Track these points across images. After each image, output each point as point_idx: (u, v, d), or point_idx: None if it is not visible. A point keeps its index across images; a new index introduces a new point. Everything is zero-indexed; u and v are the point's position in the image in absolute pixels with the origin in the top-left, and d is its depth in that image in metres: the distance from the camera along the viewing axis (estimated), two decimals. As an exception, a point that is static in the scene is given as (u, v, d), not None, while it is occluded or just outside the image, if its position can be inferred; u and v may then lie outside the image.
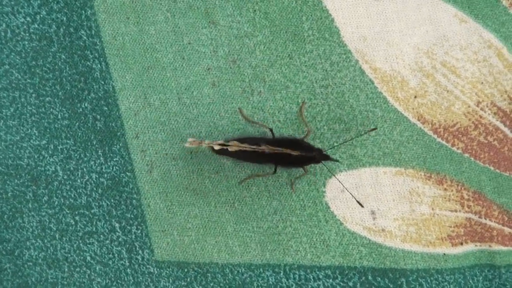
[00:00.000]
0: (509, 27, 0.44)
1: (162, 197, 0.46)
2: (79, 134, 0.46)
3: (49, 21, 0.46)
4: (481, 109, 0.44)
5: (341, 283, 0.45)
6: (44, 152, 0.46)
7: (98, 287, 0.47)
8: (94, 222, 0.46)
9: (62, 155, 0.46)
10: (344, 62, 0.45)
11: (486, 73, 0.44)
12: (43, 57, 0.46)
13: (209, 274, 0.46)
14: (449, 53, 0.44)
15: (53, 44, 0.46)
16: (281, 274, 0.45)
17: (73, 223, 0.47)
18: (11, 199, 0.47)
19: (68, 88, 0.46)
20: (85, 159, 0.46)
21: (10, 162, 0.47)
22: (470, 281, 0.45)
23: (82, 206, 0.46)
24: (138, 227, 0.46)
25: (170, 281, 0.46)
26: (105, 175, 0.46)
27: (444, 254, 0.45)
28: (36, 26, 0.46)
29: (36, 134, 0.46)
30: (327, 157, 0.42)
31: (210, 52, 0.45)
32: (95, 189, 0.46)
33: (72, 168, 0.46)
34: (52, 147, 0.46)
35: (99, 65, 0.46)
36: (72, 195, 0.46)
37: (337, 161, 0.43)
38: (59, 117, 0.46)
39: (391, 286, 0.45)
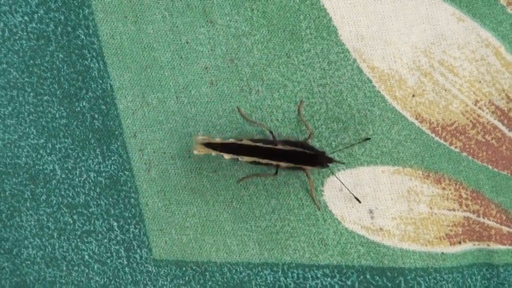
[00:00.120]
0: (507, 26, 0.44)
1: (160, 196, 0.46)
2: (77, 133, 0.46)
3: (47, 20, 0.46)
4: (479, 108, 0.44)
5: (339, 282, 0.45)
6: (42, 151, 0.46)
7: (96, 286, 0.47)
8: (92, 221, 0.46)
9: (60, 154, 0.46)
10: (342, 61, 0.45)
11: (484, 72, 0.44)
12: (41, 56, 0.46)
13: (207, 273, 0.46)
14: (447, 52, 0.44)
15: (51, 43, 0.46)
16: (279, 273, 0.45)
17: (71, 222, 0.47)
18: (9, 198, 0.47)
19: (66, 87, 0.46)
20: (83, 158, 0.46)
21: (8, 161, 0.47)
22: (468, 280, 0.45)
23: (80, 205, 0.46)
24: (136, 226, 0.46)
25: (168, 280, 0.46)
26: (103, 174, 0.46)
27: (442, 253, 0.45)
28: (34, 25, 0.46)
29: (34, 133, 0.46)
30: (331, 160, 0.42)
31: (208, 51, 0.45)
32: (93, 188, 0.46)
33: (70, 167, 0.46)
34: (50, 146, 0.46)
35: (97, 64, 0.46)
36: (70, 194, 0.46)
37: (342, 163, 0.43)
38: (57, 116, 0.46)
39: (389, 285, 0.45)
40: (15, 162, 0.47)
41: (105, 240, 0.46)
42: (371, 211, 0.45)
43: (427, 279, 0.45)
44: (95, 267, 0.47)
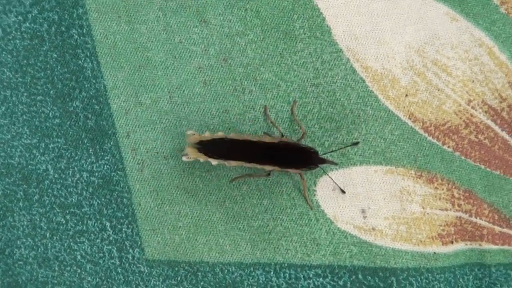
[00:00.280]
0: (500, 26, 0.44)
1: (153, 196, 0.46)
2: (70, 132, 0.46)
3: (40, 20, 0.46)
4: (472, 107, 0.44)
5: (332, 282, 0.45)
6: (35, 151, 0.46)
7: (89, 286, 0.46)
8: (85, 221, 0.46)
9: (53, 154, 0.46)
10: (335, 61, 0.45)
11: (477, 71, 0.44)
12: (35, 56, 0.46)
13: (199, 273, 0.46)
14: (440, 52, 0.44)
15: (44, 43, 0.46)
16: (272, 273, 0.45)
17: (64, 222, 0.46)
18: (1, 197, 0.47)
19: (60, 87, 0.46)
20: (76, 157, 0.46)
21: (1, 161, 0.47)
22: (460, 280, 0.44)
23: (73, 205, 0.46)
24: (129, 226, 0.46)
25: (161, 280, 0.46)
26: (96, 174, 0.46)
27: (435, 252, 0.44)
28: (28, 25, 0.46)
29: (27, 133, 0.46)
30: (323, 161, 0.42)
31: (202, 51, 0.45)
32: (86, 188, 0.46)
33: (63, 167, 0.46)
34: (43, 146, 0.46)
35: (90, 64, 0.46)
36: (63, 194, 0.46)
37: (335, 164, 0.43)
38: (50, 115, 0.46)
39: (382, 285, 0.45)
40: (8, 162, 0.46)
41: (98, 240, 0.46)
42: (363, 211, 0.45)
43: (419, 279, 0.44)
44: (88, 267, 0.46)
